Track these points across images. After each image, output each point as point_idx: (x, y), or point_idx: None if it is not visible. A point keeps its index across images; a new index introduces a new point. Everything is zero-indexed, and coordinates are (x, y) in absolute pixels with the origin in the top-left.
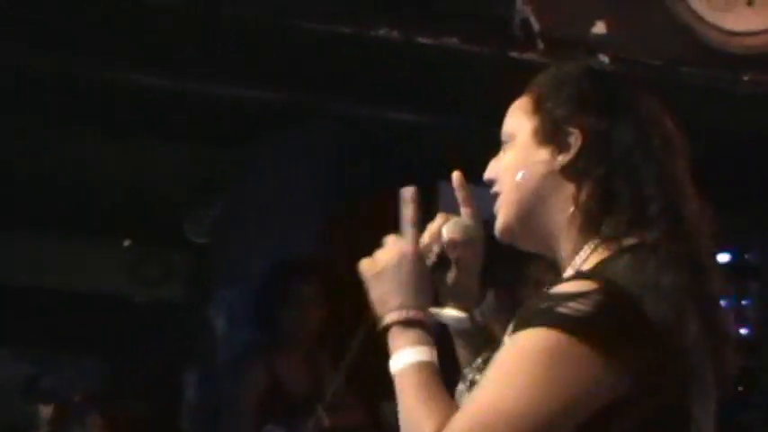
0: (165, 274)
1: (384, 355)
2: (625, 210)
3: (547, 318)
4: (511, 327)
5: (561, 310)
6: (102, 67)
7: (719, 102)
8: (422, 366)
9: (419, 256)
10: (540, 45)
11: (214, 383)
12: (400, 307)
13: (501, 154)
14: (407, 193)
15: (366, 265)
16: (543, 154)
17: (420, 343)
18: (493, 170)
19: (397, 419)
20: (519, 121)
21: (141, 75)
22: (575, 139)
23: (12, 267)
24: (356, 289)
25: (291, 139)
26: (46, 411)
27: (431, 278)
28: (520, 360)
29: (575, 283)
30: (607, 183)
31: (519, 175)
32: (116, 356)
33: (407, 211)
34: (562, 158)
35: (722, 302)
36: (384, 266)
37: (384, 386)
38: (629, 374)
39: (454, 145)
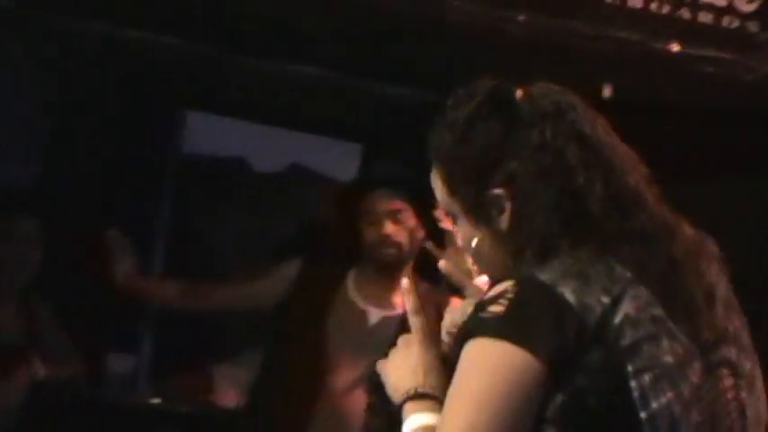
0: None
1: (109, 307)
2: (555, 232)
3: (474, 327)
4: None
5: (483, 315)
6: None
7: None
8: (428, 429)
9: (428, 340)
10: None
11: None
12: (412, 388)
13: (455, 222)
14: (405, 283)
15: (383, 362)
16: (483, 227)
17: (431, 410)
18: (459, 241)
19: (122, 369)
20: (446, 201)
21: None
22: (502, 200)
23: None
24: (77, 226)
25: (10, 51)
26: None
27: (440, 359)
28: (462, 375)
29: (496, 287)
30: (532, 218)
31: (473, 251)
32: None
33: (409, 302)
34: (501, 221)
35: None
36: (395, 356)
37: (106, 336)
38: (548, 359)
39: (199, 74)
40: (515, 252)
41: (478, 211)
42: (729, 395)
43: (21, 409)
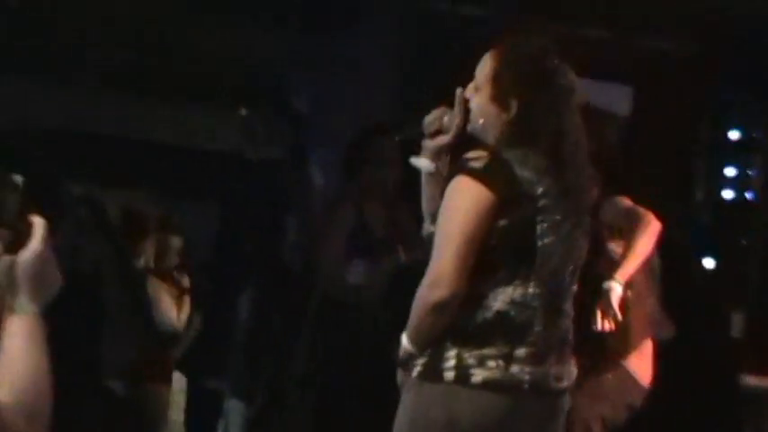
0: (273, 136)
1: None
2: (524, 136)
3: (460, 168)
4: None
5: (468, 164)
6: None
7: None
8: None
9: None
10: None
11: (312, 225)
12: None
13: (474, 92)
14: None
15: None
16: (495, 109)
17: None
18: (471, 103)
19: None
20: (484, 80)
21: None
22: (513, 106)
23: (157, 130)
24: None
25: (377, 24)
26: (176, 242)
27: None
28: (449, 199)
29: (474, 153)
30: (521, 125)
31: (480, 121)
32: (230, 204)
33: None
34: (506, 116)
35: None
36: None
37: None
38: (500, 197)
39: None
40: (502, 132)
41: (500, 100)
42: (579, 242)
43: (386, 289)
